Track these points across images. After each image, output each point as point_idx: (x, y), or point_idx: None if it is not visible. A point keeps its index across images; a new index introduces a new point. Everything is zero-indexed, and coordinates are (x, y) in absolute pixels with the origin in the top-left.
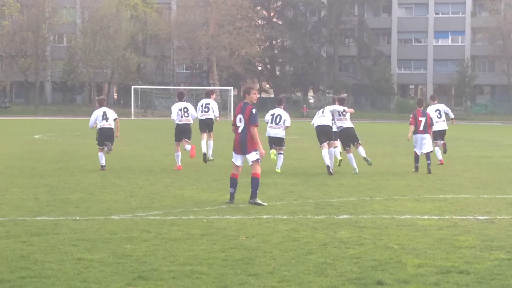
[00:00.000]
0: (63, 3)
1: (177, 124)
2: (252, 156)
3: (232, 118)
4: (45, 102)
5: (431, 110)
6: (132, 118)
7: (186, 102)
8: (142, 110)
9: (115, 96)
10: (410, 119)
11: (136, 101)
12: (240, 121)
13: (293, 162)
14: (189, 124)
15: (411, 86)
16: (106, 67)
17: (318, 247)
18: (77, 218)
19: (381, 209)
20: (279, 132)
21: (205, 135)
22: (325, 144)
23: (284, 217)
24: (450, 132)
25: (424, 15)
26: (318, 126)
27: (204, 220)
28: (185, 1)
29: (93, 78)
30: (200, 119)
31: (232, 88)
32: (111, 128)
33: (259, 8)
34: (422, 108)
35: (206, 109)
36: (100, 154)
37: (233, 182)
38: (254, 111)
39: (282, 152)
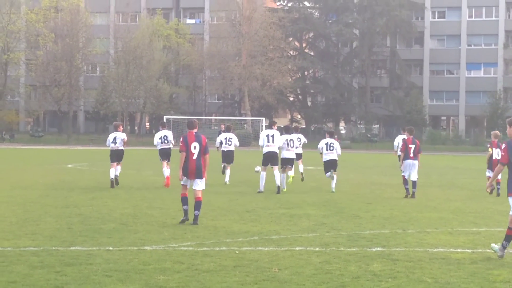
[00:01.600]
0: (97, 33)
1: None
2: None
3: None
4: (78, 131)
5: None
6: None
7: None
8: (174, 140)
9: (147, 126)
10: (401, 147)
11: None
12: (195, 148)
13: (325, 193)
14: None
15: (443, 118)
16: (139, 97)
17: (351, 280)
18: (110, 248)
19: (414, 241)
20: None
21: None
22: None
23: (317, 249)
24: (482, 164)
25: (456, 47)
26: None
27: (237, 252)
28: (217, 32)
29: (126, 107)
30: (223, 151)
31: (263, 118)
32: (120, 150)
33: (291, 39)
34: (412, 137)
35: (230, 142)
36: (111, 170)
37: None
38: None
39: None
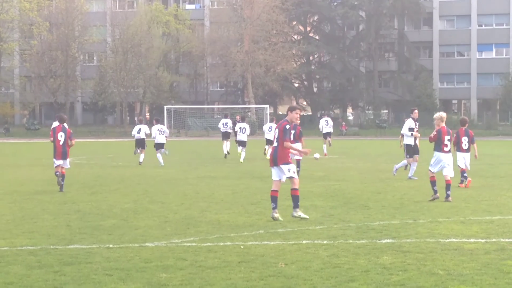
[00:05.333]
0: (93, 21)
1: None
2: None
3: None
4: (76, 123)
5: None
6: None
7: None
8: (176, 130)
9: (148, 116)
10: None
11: (169, 121)
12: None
13: (333, 183)
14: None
15: (454, 101)
16: (138, 87)
17: (360, 273)
18: (111, 246)
19: (425, 232)
20: None
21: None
22: None
23: (324, 242)
24: (496, 149)
25: (466, 27)
26: None
27: (242, 247)
28: (218, 17)
29: (125, 98)
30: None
31: (268, 106)
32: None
33: (295, 23)
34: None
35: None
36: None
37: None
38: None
39: None
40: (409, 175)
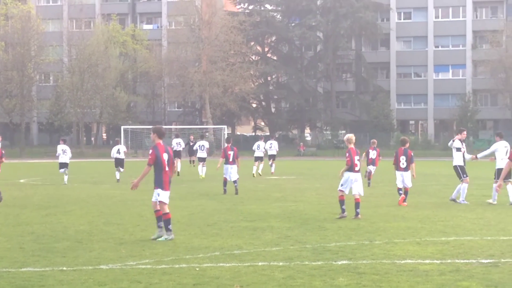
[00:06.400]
0: (49, 41)
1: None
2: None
3: None
4: (31, 144)
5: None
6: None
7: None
8: (133, 151)
9: (104, 137)
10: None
11: (126, 141)
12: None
13: (290, 204)
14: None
15: (412, 122)
16: (95, 107)
17: None
18: (64, 268)
19: (381, 253)
20: None
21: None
22: None
23: (280, 263)
24: (452, 170)
25: (423, 49)
26: None
27: (197, 269)
28: (176, 37)
29: (81, 118)
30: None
31: (225, 126)
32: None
33: (252, 43)
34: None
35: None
36: None
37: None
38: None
39: None
40: (461, 199)
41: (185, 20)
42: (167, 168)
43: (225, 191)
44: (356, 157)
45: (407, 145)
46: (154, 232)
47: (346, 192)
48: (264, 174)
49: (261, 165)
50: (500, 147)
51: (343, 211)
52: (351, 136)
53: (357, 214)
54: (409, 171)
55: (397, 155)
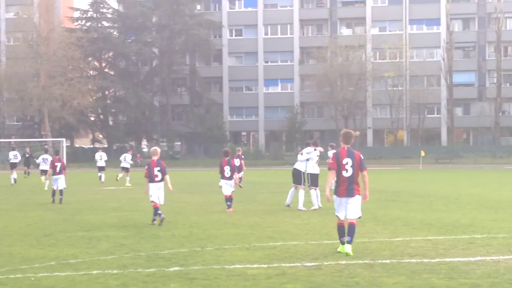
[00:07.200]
0: None
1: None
2: None
3: None
4: None
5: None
6: None
7: None
8: None
9: None
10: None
11: None
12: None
13: (126, 214)
14: None
15: (244, 133)
16: None
17: None
18: None
19: (212, 259)
20: None
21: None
22: None
23: (115, 271)
24: (281, 178)
25: (254, 64)
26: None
27: (32, 278)
28: (15, 53)
29: None
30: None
31: (64, 139)
32: None
33: (90, 59)
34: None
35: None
36: None
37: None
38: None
39: None
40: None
41: (23, 36)
42: None
43: (53, 200)
44: (156, 169)
45: (229, 155)
46: None
47: (155, 200)
48: (101, 184)
49: (128, 177)
50: (314, 155)
51: (156, 217)
52: (154, 149)
53: (154, 219)
54: (232, 180)
55: (221, 165)
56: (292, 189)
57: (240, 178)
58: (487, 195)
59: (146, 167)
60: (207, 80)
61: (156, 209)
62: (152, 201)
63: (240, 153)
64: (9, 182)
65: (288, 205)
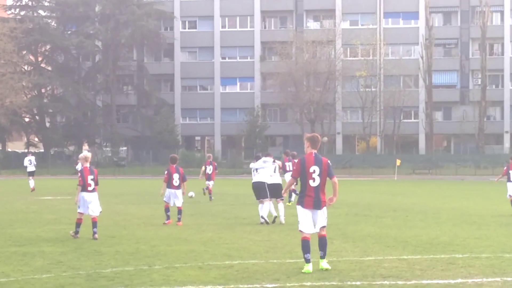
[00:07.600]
0: None
1: None
2: None
3: None
4: None
5: None
6: None
7: None
8: None
9: None
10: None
11: None
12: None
13: (64, 227)
14: None
15: (198, 138)
16: None
17: None
18: None
19: (160, 279)
20: None
21: None
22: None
23: None
24: (239, 188)
25: (209, 60)
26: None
27: None
28: None
29: None
30: None
31: None
32: None
33: (25, 52)
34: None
35: None
36: None
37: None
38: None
39: None
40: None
41: None
42: None
43: None
44: (90, 177)
45: (177, 162)
46: None
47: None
48: (38, 194)
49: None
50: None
51: (77, 232)
52: (85, 154)
53: (94, 233)
54: (181, 189)
55: (169, 172)
56: (260, 205)
57: (210, 191)
58: (470, 210)
59: (79, 174)
60: (157, 78)
61: (78, 224)
62: (79, 212)
63: (211, 159)
64: None
65: (266, 221)
